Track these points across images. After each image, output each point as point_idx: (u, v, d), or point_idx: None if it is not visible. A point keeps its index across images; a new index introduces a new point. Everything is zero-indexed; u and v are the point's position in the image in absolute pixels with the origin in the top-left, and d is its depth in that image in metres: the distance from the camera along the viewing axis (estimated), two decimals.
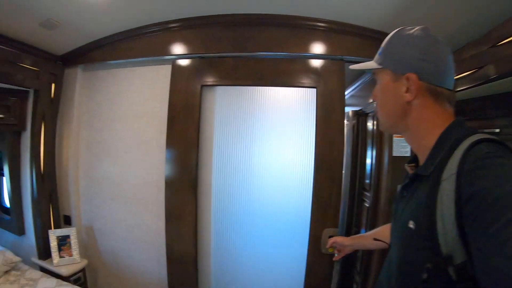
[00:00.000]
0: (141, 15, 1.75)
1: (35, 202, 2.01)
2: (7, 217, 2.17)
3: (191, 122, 1.84)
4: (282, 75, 1.77)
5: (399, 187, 0.80)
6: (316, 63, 1.76)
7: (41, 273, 1.89)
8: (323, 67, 1.75)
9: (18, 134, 2.05)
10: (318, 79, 1.74)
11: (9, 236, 2.20)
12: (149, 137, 2.00)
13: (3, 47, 1.73)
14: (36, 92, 1.96)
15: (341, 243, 1.31)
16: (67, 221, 2.22)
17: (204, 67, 1.85)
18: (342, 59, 1.74)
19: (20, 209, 2.10)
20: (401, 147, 1.84)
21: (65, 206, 2.21)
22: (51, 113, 2.07)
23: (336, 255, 1.36)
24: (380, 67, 0.76)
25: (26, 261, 2.17)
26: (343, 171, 2.02)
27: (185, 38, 1.84)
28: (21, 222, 2.11)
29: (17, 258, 1.90)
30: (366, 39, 1.70)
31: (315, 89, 1.74)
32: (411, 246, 0.65)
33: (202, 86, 1.84)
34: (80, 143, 2.20)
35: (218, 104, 1.87)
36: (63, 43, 2.00)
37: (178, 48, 1.85)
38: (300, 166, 1.79)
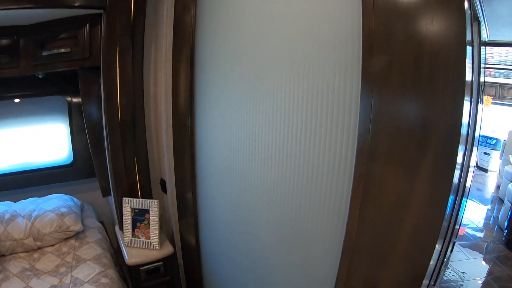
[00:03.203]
0: None
1: (111, 159, 1.55)
2: None
3: None
4: None
5: None
6: None
7: (99, 253, 1.43)
8: None
9: (96, 71, 1.61)
10: None
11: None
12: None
13: None
14: (105, 13, 1.42)
15: None
16: (164, 188, 1.67)
17: None
18: None
19: (104, 167, 1.72)
20: None
21: (163, 168, 1.64)
22: (130, 40, 1.50)
23: None
24: None
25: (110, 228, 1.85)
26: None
27: None
28: (105, 181, 1.74)
29: (78, 227, 1.50)
30: None
31: None
32: None
33: None
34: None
35: None
36: None
37: None
38: None
